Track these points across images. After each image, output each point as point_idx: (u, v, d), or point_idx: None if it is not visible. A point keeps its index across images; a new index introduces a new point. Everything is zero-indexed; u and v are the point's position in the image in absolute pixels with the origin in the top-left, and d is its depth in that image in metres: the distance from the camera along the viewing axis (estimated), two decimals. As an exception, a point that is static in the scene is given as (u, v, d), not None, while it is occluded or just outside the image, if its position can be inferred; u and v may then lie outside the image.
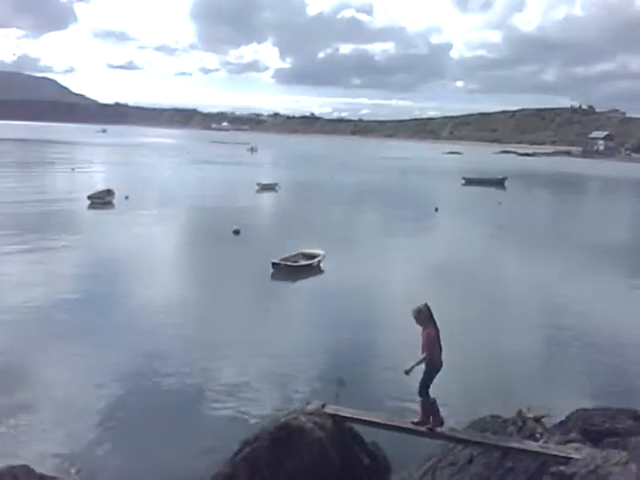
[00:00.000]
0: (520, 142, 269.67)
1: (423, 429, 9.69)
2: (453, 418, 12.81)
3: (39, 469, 10.87)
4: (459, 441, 10.09)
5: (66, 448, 12.21)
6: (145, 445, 12.31)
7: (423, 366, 9.57)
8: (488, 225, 45.74)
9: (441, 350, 9.59)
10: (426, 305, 9.64)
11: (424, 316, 9.55)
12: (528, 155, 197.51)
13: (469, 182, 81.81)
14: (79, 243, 32.65)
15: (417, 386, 9.59)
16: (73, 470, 11.41)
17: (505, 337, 20.14)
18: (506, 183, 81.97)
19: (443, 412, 12.71)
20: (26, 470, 10.65)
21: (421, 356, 9.50)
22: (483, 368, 17.10)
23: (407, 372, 9.58)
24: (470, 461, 10.20)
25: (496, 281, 28.27)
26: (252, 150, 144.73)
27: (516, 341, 19.79)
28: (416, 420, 9.76)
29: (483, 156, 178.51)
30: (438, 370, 9.67)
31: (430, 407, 9.66)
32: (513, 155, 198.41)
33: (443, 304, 23.78)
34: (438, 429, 9.64)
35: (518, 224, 46.85)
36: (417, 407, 14.07)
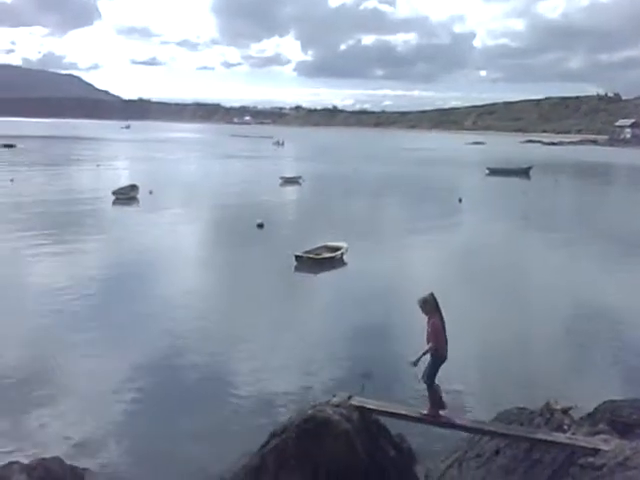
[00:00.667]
0: (545, 131, 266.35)
1: (442, 419, 9.72)
2: (479, 410, 12.82)
3: (69, 461, 11.10)
4: (485, 433, 10.07)
5: (95, 439, 12.42)
6: (172, 436, 12.46)
7: (429, 356, 9.55)
8: (513, 216, 45.31)
9: (446, 341, 9.52)
10: (432, 295, 9.60)
11: (430, 306, 9.51)
12: (553, 144, 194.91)
13: (493, 172, 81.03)
14: (104, 238, 33.01)
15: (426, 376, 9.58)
16: (103, 461, 11.60)
17: (532, 328, 20.00)
18: (531, 173, 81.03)
19: (470, 404, 12.71)
20: (57, 462, 10.87)
21: (427, 346, 9.46)
22: (510, 360, 17.01)
23: (414, 363, 9.63)
24: (497, 453, 10.18)
25: (522, 272, 28.03)
26: (278, 144, 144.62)
27: (543, 332, 19.65)
28: (425, 412, 9.76)
29: (507, 146, 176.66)
30: (443, 361, 9.64)
31: (435, 395, 9.69)
32: (538, 144, 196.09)
33: (468, 296, 23.78)
34: (441, 412, 9.68)
35: (544, 214, 46.36)
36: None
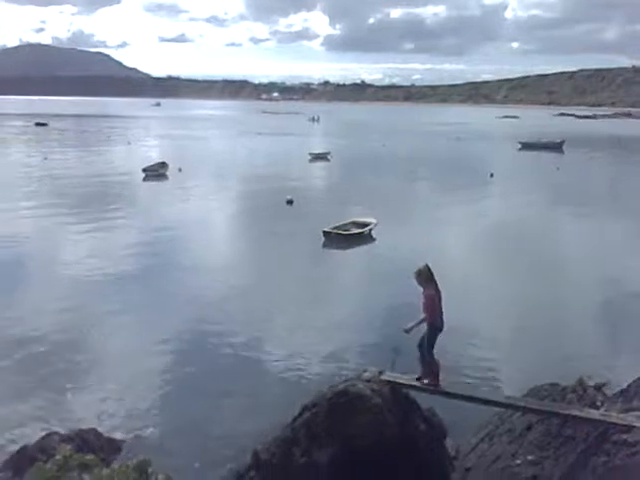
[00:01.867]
0: (579, 104, 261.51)
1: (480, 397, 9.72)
2: (511, 385, 12.77)
3: (106, 433, 11.38)
4: (517, 408, 10.03)
5: (131, 412, 12.69)
6: (206, 409, 12.67)
7: (425, 327, 9.58)
8: (546, 191, 44.68)
9: (442, 312, 9.58)
10: (426, 266, 9.62)
11: (425, 276, 9.54)
12: (587, 117, 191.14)
13: (525, 146, 79.83)
14: (134, 215, 33.49)
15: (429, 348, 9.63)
16: (138, 433, 11.85)
17: (564, 304, 19.79)
18: (564, 147, 79.64)
19: (501, 379, 12.69)
20: (94, 433, 11.17)
21: (421, 316, 9.53)
22: (542, 335, 16.87)
23: (407, 331, 9.73)
24: (529, 428, 10.14)
25: (554, 248, 27.70)
26: (313, 120, 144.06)
27: (575, 309, 19.44)
28: (426, 381, 9.78)
29: (540, 119, 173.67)
30: (440, 330, 9.67)
31: (435, 366, 9.73)
32: (571, 118, 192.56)
33: (499, 271, 23.62)
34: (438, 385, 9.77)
35: (577, 190, 45.56)
36: (472, 373, 14.12)
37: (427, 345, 9.67)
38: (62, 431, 10.90)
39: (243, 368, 14.72)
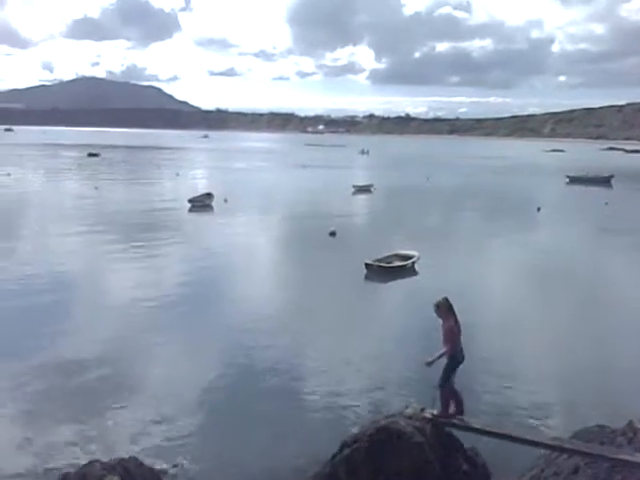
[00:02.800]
0: (628, 138, 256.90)
1: (523, 437, 9.53)
2: (558, 426, 12.42)
3: (147, 462, 11.43)
4: (564, 450, 9.75)
5: (171, 441, 12.73)
6: (245, 442, 12.63)
7: (445, 359, 9.73)
8: (594, 226, 43.75)
9: (461, 343, 9.81)
10: (445, 299, 9.94)
11: (444, 309, 9.79)
12: (637, 152, 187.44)
13: (573, 180, 78.61)
14: (178, 245, 33.89)
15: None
16: (179, 462, 11.88)
17: (613, 345, 19.22)
18: (613, 181, 78.14)
19: (548, 420, 12.38)
20: (135, 462, 11.21)
21: (442, 349, 9.67)
22: (591, 375, 16.40)
23: (429, 364, 9.82)
24: (575, 472, 9.82)
25: (603, 287, 27.00)
26: (363, 152, 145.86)
27: (624, 349, 18.85)
28: (436, 412, 9.71)
29: (588, 154, 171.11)
30: (460, 363, 9.84)
31: (454, 396, 9.83)
32: (620, 152, 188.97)
33: (546, 310, 23.12)
34: (458, 417, 9.80)
35: (627, 226, 44.49)
36: (517, 412, 13.80)
37: (444, 376, 9.78)
38: (104, 459, 10.98)
39: (283, 400, 14.67)
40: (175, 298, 22.95)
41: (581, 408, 13.92)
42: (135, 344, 18.10)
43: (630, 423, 10.27)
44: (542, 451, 10.46)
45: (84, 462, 10.84)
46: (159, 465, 11.57)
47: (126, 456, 11.31)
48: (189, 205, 47.44)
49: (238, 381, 15.81)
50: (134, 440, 12.67)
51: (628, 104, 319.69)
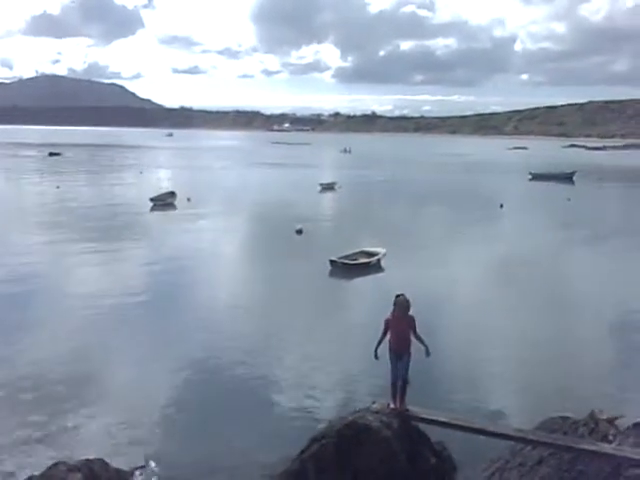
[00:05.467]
0: (589, 135, 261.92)
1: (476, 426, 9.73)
2: (522, 418, 12.62)
3: (114, 464, 11.29)
4: (528, 441, 9.92)
5: (138, 443, 12.59)
6: (214, 441, 12.57)
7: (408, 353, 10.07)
8: (557, 222, 44.53)
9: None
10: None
11: (408, 305, 10.12)
12: (597, 149, 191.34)
13: (536, 177, 79.92)
14: (139, 244, 33.50)
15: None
16: (145, 463, 11.76)
17: (574, 337, 19.61)
18: (575, 178, 79.65)
19: (512, 412, 12.56)
20: (101, 464, 11.08)
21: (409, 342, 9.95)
22: (553, 368, 16.69)
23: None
24: (540, 462, 10.01)
25: (564, 280, 27.54)
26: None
27: (586, 341, 19.26)
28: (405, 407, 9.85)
29: (550, 151, 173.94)
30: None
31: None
32: (582, 149, 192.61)
33: (509, 303, 23.46)
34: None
35: (588, 222, 45.39)
36: (482, 406, 13.98)
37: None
38: (69, 461, 10.82)
39: (250, 399, 14.62)
40: (136, 299, 22.59)
41: (544, 400, 14.15)
42: (98, 347, 17.78)
43: (592, 414, 10.50)
44: (507, 443, 10.63)
45: (49, 464, 10.69)
46: (126, 466, 11.44)
47: (92, 457, 11.18)
48: (151, 204, 46.92)
49: (204, 380, 15.72)
50: (100, 441, 12.51)
51: (589, 102, 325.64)
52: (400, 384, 9.84)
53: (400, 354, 9.82)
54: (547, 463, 9.90)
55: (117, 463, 11.35)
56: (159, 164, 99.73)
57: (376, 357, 9.96)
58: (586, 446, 9.22)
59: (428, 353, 9.97)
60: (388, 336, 9.96)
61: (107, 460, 11.17)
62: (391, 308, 9.94)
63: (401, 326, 9.83)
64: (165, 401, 14.45)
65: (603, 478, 8.93)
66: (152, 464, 11.78)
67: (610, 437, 9.73)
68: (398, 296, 10.02)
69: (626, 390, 15.17)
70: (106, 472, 10.76)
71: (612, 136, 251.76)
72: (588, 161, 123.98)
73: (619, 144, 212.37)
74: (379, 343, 10.06)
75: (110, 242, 33.15)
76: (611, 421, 10.11)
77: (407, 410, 9.79)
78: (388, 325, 9.95)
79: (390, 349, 9.88)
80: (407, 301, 9.91)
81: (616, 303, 23.40)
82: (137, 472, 11.39)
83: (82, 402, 14.21)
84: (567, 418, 10.84)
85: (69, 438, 12.71)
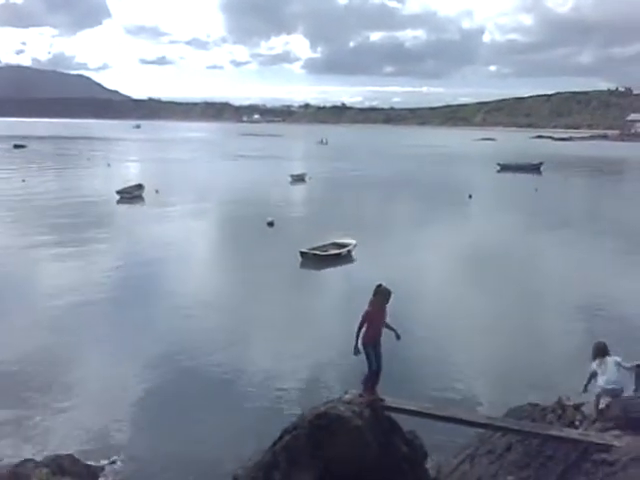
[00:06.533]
0: (555, 126, 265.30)
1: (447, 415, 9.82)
2: (491, 406, 12.80)
3: (83, 459, 11.19)
4: (497, 429, 10.05)
5: (109, 438, 12.51)
6: (185, 434, 12.52)
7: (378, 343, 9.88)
8: (524, 212, 45.12)
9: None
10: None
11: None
12: (564, 139, 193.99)
13: (504, 168, 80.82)
14: (104, 237, 32.98)
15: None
16: (116, 458, 11.68)
17: (542, 326, 19.95)
18: (542, 168, 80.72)
19: (482, 400, 12.68)
20: (71, 459, 10.98)
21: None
22: (521, 357, 16.96)
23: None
24: (509, 449, 10.15)
25: (532, 269, 27.93)
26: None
27: (553, 330, 19.59)
28: (382, 397, 9.86)
29: (518, 142, 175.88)
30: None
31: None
32: (549, 140, 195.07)
33: (478, 293, 23.73)
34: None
35: (555, 211, 46.08)
36: (453, 394, 14.14)
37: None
38: (37, 458, 10.70)
39: (222, 392, 14.59)
40: (101, 294, 22.31)
41: (513, 388, 14.38)
42: (65, 344, 17.57)
43: (559, 400, 10.68)
44: (477, 430, 10.76)
45: (16, 461, 10.55)
46: (95, 461, 11.36)
47: (62, 453, 11.08)
48: (117, 197, 46.29)
49: (173, 374, 15.63)
50: (70, 437, 12.40)
51: (556, 93, 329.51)
52: (375, 374, 9.82)
53: (376, 344, 9.77)
54: (516, 449, 10.05)
55: (87, 458, 11.26)
56: (127, 156, 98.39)
57: (357, 352, 9.67)
58: (554, 432, 9.38)
59: (399, 337, 9.88)
60: (358, 325, 9.81)
61: (77, 456, 11.08)
62: (368, 299, 9.72)
63: (380, 316, 9.73)
64: (135, 396, 14.34)
65: (570, 463, 9.10)
66: (122, 459, 11.70)
67: (577, 423, 9.91)
68: (379, 286, 9.78)
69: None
70: (75, 467, 10.67)
71: (578, 127, 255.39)
72: (555, 152, 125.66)
73: (585, 135, 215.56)
74: (358, 337, 9.66)
75: (74, 236, 32.61)
76: (577, 407, 10.29)
77: (382, 400, 9.80)
78: (368, 317, 9.64)
79: (369, 341, 9.72)
80: (389, 291, 9.79)
81: (581, 290, 23.86)
82: (107, 467, 11.31)
83: (52, 399, 14.06)
84: (536, 405, 11.01)
85: (39, 435, 12.57)
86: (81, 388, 14.77)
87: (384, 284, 9.80)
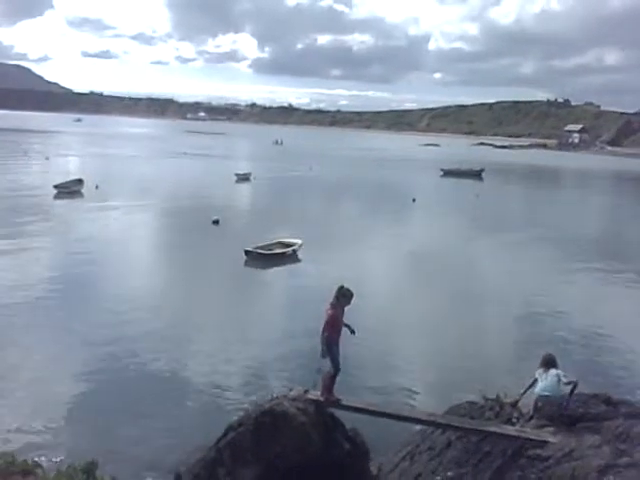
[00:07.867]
0: (496, 134, 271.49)
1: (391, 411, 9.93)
2: (432, 403, 13.06)
3: (21, 457, 10.87)
4: (438, 425, 10.28)
5: (47, 437, 12.24)
6: (128, 432, 12.35)
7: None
8: (466, 216, 46.15)
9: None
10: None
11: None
12: (504, 147, 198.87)
13: (447, 173, 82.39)
14: (37, 233, 31.81)
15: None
16: (56, 458, 11.42)
17: (481, 326, 20.46)
18: (483, 175, 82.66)
19: (422, 397, 12.92)
20: (7, 458, 10.64)
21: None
22: (460, 356, 17.35)
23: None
24: (448, 445, 10.40)
25: (471, 272, 28.63)
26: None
27: (492, 330, 20.13)
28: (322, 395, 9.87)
29: (460, 148, 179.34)
30: None
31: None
32: (490, 147, 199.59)
33: (419, 295, 24.17)
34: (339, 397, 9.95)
35: (495, 216, 47.32)
36: (395, 392, 14.37)
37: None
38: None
39: (165, 390, 14.43)
40: (33, 293, 21.58)
41: (454, 386, 14.71)
42: (2, 342, 17.01)
43: (497, 397, 10.99)
44: (418, 427, 10.99)
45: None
46: (33, 460, 11.04)
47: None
48: (55, 191, 45.00)
49: (115, 373, 15.38)
50: (6, 436, 12.02)
51: (497, 102, 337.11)
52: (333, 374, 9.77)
53: (338, 344, 9.71)
54: (455, 446, 10.30)
55: (24, 456, 10.94)
56: (66, 150, 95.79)
57: (325, 355, 9.44)
58: (492, 428, 9.67)
59: (353, 331, 9.82)
60: (324, 328, 9.57)
61: (14, 454, 10.75)
62: (329, 301, 9.51)
63: (342, 317, 9.69)
64: (75, 395, 14.05)
65: (507, 458, 9.38)
66: (61, 457, 11.44)
67: (514, 420, 10.23)
68: (342, 288, 9.65)
69: (528, 374, 15.95)
70: (12, 466, 10.35)
71: (518, 136, 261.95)
72: (496, 159, 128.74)
73: (525, 143, 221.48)
74: (324, 340, 9.41)
75: (6, 231, 31.38)
76: (514, 404, 10.62)
77: (340, 400, 9.77)
78: (332, 320, 9.46)
79: (333, 342, 9.61)
80: (352, 294, 9.74)
81: (517, 292, 24.60)
82: (45, 465, 11.01)
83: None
84: (474, 403, 11.30)
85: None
86: (17, 386, 14.35)
87: (346, 285, 9.75)
